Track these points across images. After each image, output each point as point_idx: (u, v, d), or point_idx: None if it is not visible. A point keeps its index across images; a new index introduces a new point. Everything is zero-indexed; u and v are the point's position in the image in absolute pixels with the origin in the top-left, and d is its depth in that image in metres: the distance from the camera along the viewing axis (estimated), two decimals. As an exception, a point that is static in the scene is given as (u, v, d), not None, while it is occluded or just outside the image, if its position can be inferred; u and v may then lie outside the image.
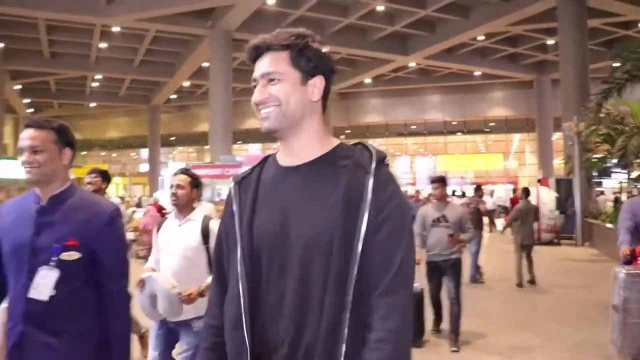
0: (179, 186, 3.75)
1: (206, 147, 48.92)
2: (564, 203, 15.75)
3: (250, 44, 1.53)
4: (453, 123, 41.70)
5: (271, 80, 1.48)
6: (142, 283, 3.59)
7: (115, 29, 24.34)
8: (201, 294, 3.52)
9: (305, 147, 1.51)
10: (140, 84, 36.57)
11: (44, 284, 2.20)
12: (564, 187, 16.10)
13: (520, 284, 9.63)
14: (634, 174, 12.65)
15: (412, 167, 44.85)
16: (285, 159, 1.53)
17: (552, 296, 9.01)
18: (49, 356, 2.22)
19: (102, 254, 2.29)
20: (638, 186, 13.51)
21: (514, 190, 23.93)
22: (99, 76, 33.40)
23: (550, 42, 26.17)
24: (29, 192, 2.38)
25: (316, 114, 1.53)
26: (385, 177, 1.44)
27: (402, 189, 2.79)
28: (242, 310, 1.43)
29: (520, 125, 39.48)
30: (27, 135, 2.27)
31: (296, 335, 1.39)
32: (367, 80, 35.17)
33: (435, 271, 6.26)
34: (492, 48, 28.86)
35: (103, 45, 27.40)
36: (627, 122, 10.75)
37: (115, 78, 34.43)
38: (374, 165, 1.42)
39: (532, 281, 9.85)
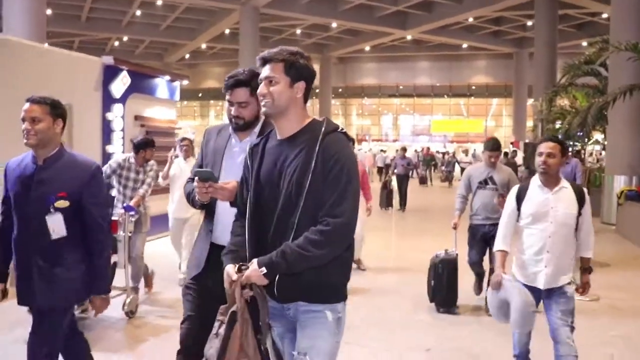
0: (550, 154, 3.58)
1: (211, 101, 53.00)
2: (529, 161, 20.77)
3: (259, 56, 2.32)
4: (438, 85, 46.40)
5: (271, 81, 2.26)
6: (499, 284, 3.63)
7: (158, 2, 28.01)
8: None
9: (288, 126, 2.30)
10: (158, 44, 39.94)
11: (57, 226, 2.82)
12: (530, 149, 21.09)
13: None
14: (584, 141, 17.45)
15: (396, 124, 49.87)
16: (278, 134, 2.35)
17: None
18: (53, 282, 2.83)
19: (86, 203, 2.87)
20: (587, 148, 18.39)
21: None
22: (125, 38, 36.85)
23: (529, 23, 30.56)
24: (27, 153, 2.92)
25: (298, 105, 2.30)
26: (330, 142, 2.22)
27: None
28: (247, 231, 2.34)
29: (499, 91, 44.44)
30: (28, 108, 2.79)
31: (277, 239, 2.24)
32: (367, 48, 39.37)
33: (479, 236, 5.85)
34: (479, 26, 33.29)
35: (138, 12, 30.94)
36: (576, 105, 15.49)
37: (136, 39, 37.82)
38: (321, 136, 2.22)
39: None
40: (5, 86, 6.30)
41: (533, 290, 3.60)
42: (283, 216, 2.23)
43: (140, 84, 8.96)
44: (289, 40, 37.79)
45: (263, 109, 2.29)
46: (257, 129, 2.80)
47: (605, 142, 14.66)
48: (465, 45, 37.83)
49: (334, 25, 33.08)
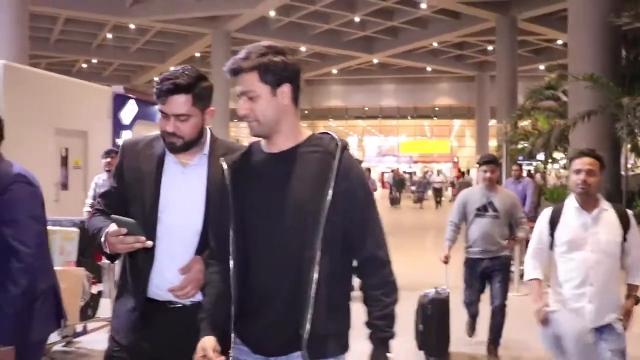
0: (590, 172, 3.12)
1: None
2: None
3: (227, 68, 1.84)
4: (403, 107, 47.84)
5: (250, 97, 1.82)
6: (546, 321, 3.24)
7: (131, 25, 28.39)
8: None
9: (283, 141, 1.87)
10: (127, 66, 40.09)
11: None
12: (496, 168, 22.42)
13: None
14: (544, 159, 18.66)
15: (362, 145, 51.05)
16: (267, 147, 1.90)
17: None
18: None
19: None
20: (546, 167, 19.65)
21: (459, 170, 30.24)
22: (94, 60, 36.92)
23: (490, 47, 32.08)
24: None
25: (290, 113, 1.87)
26: (348, 160, 1.84)
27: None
28: (232, 268, 1.82)
29: (462, 112, 46.12)
30: None
31: (281, 285, 1.78)
32: (334, 71, 40.47)
33: (477, 272, 5.06)
34: (442, 50, 34.74)
35: (109, 36, 31.19)
36: (537, 126, 16.70)
37: (105, 62, 37.94)
38: (339, 152, 1.82)
39: None
40: (20, 113, 6.68)
41: None
42: (289, 258, 1.78)
43: (144, 111, 9.53)
44: (258, 63, 38.40)
45: (251, 132, 1.88)
46: (206, 149, 2.20)
47: (567, 161, 15.78)
48: (429, 69, 39.27)
49: (303, 49, 34.00)
